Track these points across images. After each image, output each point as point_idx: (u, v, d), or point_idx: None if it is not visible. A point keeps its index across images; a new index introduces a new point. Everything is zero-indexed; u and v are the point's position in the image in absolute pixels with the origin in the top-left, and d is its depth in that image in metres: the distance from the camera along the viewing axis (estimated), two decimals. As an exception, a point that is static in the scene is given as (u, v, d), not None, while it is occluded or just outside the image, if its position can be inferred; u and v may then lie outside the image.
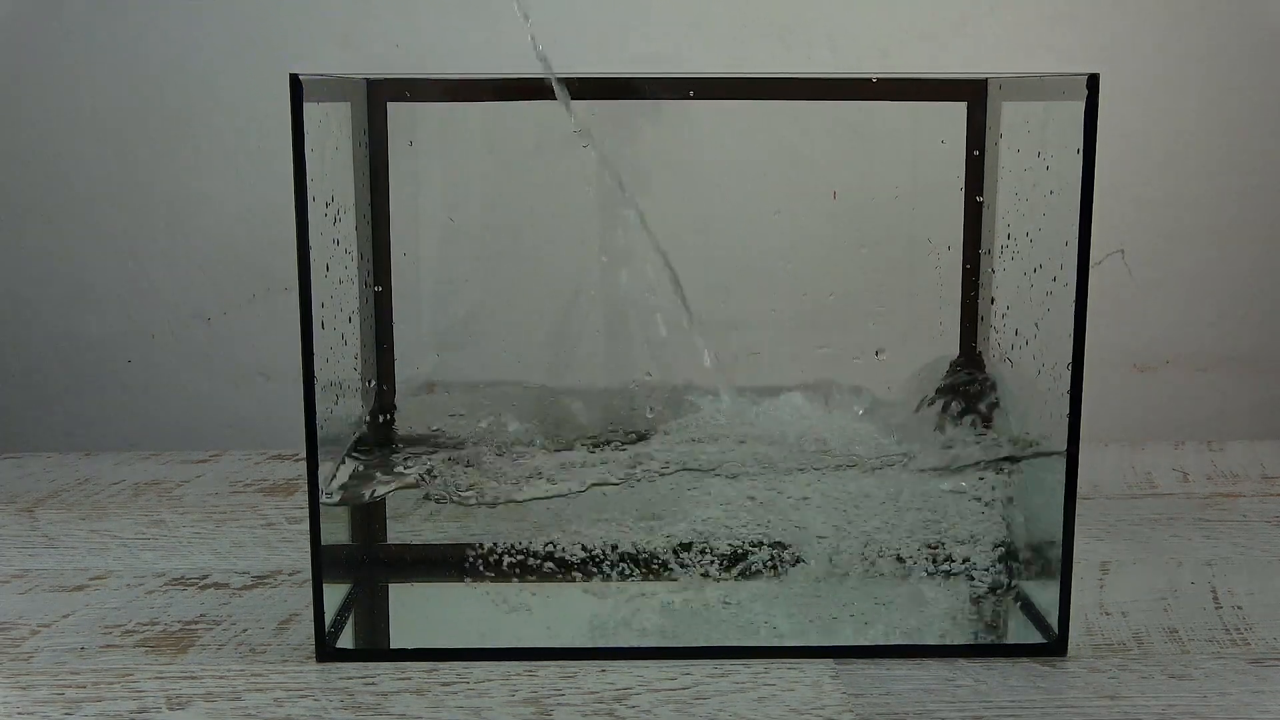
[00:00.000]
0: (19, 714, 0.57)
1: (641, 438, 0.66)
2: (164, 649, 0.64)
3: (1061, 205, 0.61)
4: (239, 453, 1.01)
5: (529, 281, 0.69)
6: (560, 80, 0.62)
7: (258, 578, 0.74)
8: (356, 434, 0.67)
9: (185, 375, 1.06)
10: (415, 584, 0.69)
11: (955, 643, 0.64)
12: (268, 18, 1.01)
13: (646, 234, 0.63)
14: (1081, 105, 0.59)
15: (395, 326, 0.68)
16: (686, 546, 0.67)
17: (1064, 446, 0.62)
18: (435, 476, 0.66)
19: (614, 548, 0.67)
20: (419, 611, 0.68)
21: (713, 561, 0.67)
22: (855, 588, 0.66)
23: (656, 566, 0.67)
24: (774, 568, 0.66)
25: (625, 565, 0.67)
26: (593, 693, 0.59)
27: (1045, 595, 0.64)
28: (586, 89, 0.65)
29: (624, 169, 0.66)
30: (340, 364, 0.65)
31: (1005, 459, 0.65)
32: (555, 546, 0.67)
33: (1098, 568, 0.75)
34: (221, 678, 0.61)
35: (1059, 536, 0.63)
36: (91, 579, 0.74)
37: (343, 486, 0.65)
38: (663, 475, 0.65)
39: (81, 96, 1.02)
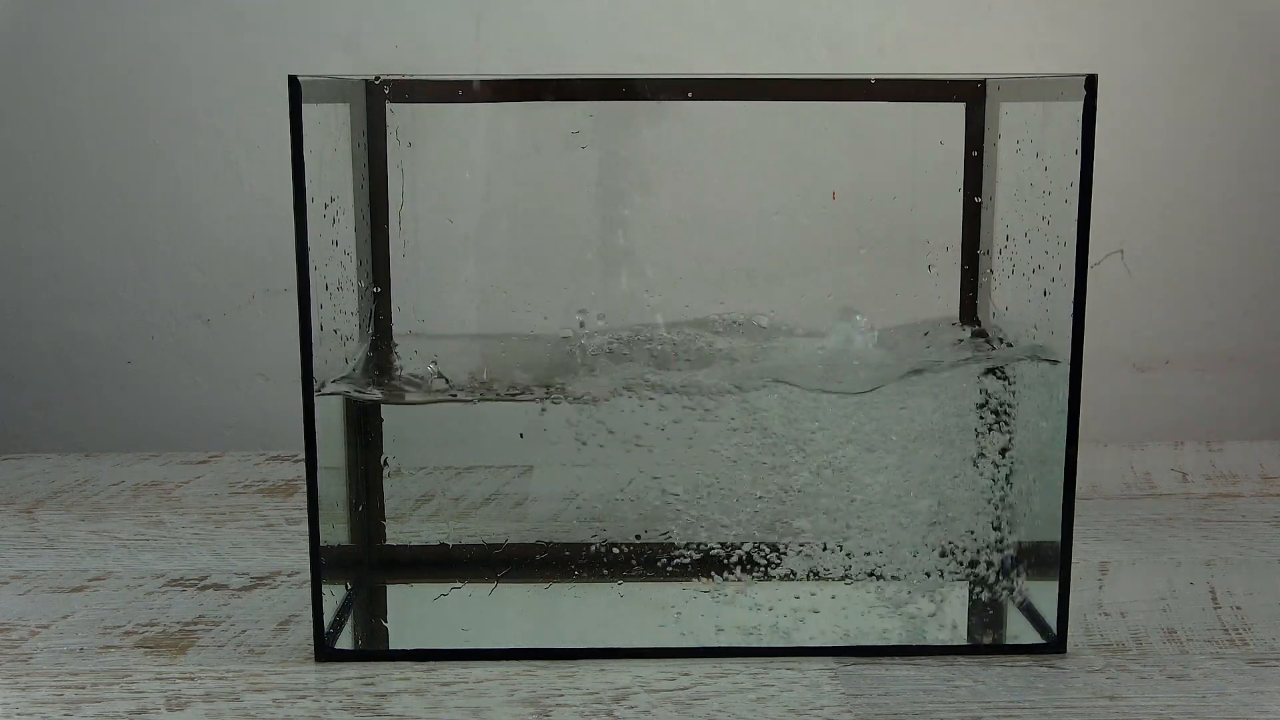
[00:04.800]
0: (18, 714, 0.57)
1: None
2: (163, 650, 0.64)
3: (1060, 205, 0.62)
4: (238, 454, 1.01)
5: (528, 281, 0.68)
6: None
7: (257, 579, 0.74)
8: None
9: (185, 376, 1.06)
10: (414, 584, 0.69)
11: (955, 643, 0.64)
12: (268, 18, 1.01)
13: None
14: (1080, 106, 0.59)
15: (394, 327, 0.68)
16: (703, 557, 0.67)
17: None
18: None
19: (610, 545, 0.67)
20: (418, 611, 0.68)
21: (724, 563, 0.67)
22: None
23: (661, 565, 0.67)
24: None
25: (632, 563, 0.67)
26: (592, 693, 0.59)
27: (1044, 595, 0.64)
28: (587, 89, 0.65)
29: (623, 170, 0.66)
30: (339, 365, 0.65)
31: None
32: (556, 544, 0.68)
33: (1097, 568, 0.75)
34: (220, 679, 0.61)
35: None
36: (91, 580, 0.74)
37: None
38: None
39: (81, 96, 1.02)
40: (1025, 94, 0.65)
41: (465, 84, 0.66)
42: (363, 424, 0.68)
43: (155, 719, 0.57)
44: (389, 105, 0.66)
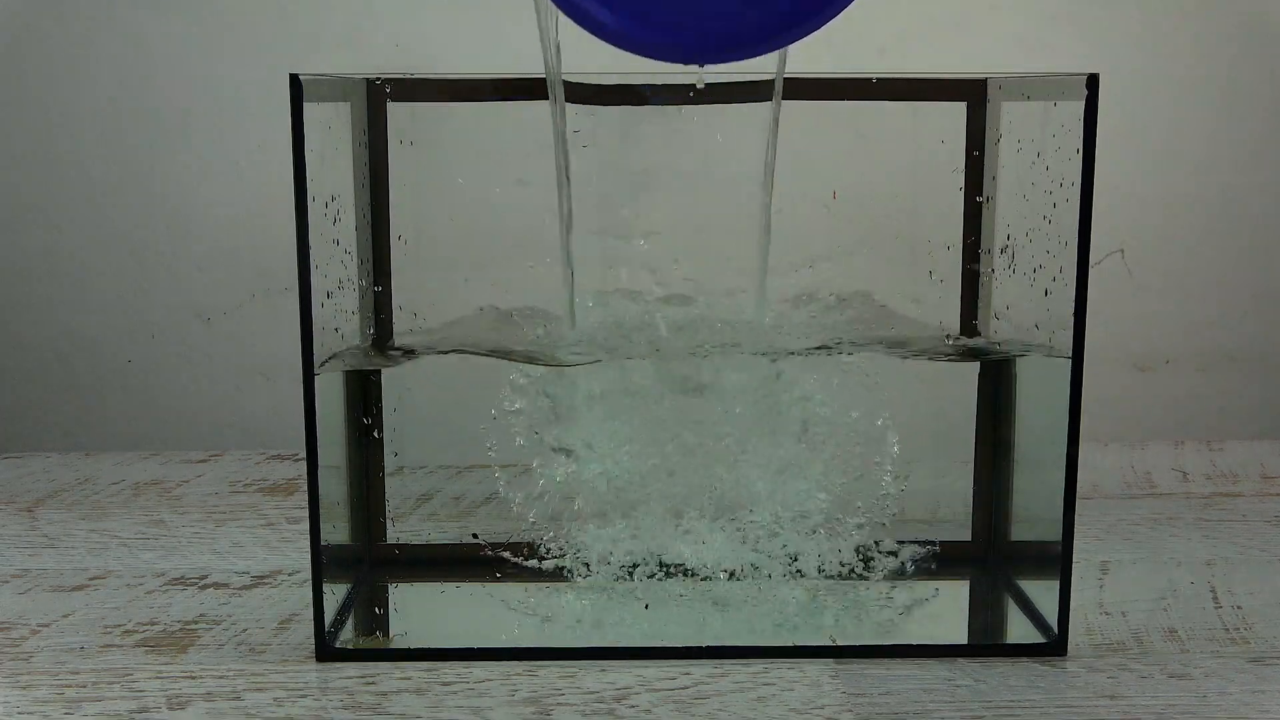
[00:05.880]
0: (19, 714, 0.57)
1: None
2: (164, 649, 0.64)
3: (1061, 205, 0.62)
4: (239, 453, 1.01)
5: (528, 280, 0.69)
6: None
7: (258, 577, 0.74)
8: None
9: (185, 375, 1.06)
10: (415, 584, 0.69)
11: (955, 642, 0.64)
12: (268, 18, 1.01)
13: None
14: (1081, 105, 0.59)
15: (394, 326, 0.68)
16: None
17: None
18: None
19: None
20: (419, 611, 0.68)
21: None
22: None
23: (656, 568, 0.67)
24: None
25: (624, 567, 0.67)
26: (593, 692, 0.59)
27: (1045, 595, 0.64)
28: (587, 90, 0.65)
29: (623, 170, 0.66)
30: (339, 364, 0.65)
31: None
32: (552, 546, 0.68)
33: (1097, 568, 0.75)
34: (221, 677, 0.61)
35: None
36: (91, 579, 0.74)
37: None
38: None
39: (82, 96, 1.02)
40: (1026, 94, 0.65)
41: (465, 84, 0.66)
42: (363, 423, 0.68)
43: (156, 718, 0.57)
44: (389, 105, 0.66)
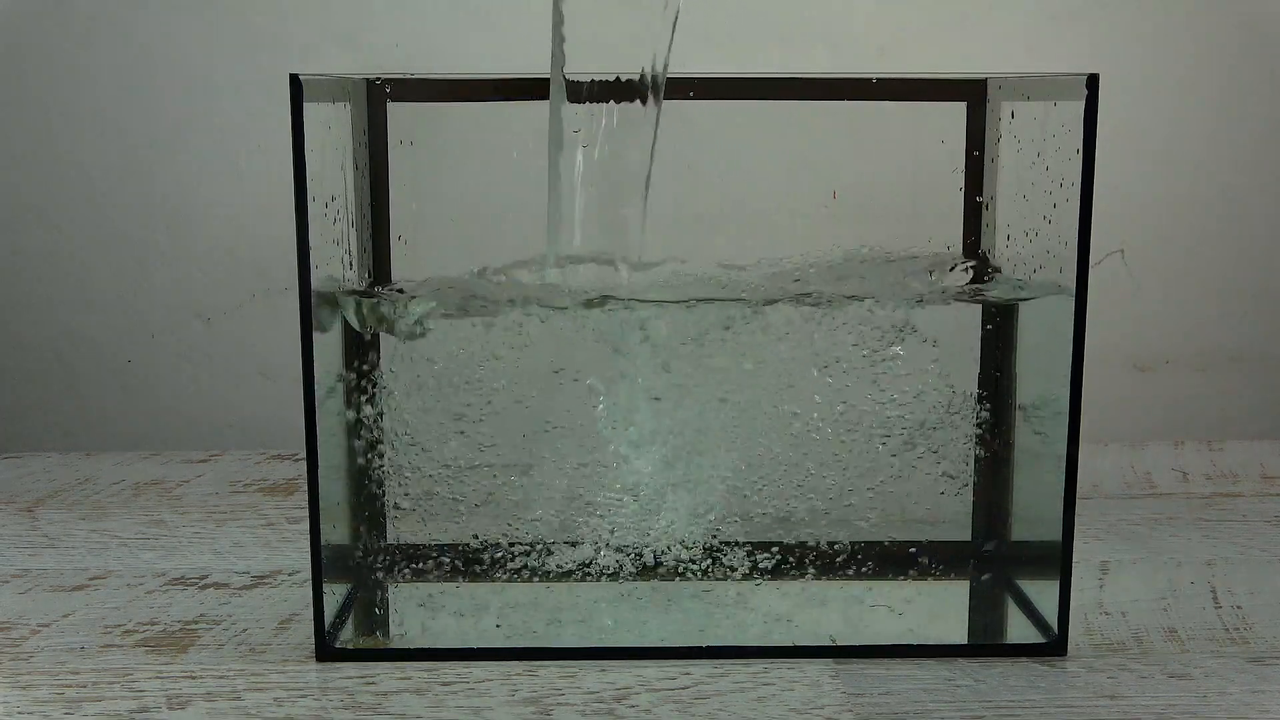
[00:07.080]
0: (19, 713, 0.57)
1: None
2: (164, 649, 0.64)
3: (1061, 205, 0.62)
4: (239, 453, 1.01)
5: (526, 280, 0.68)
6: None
7: (258, 577, 0.74)
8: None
9: (185, 375, 1.06)
10: (415, 584, 0.69)
11: (955, 642, 0.64)
12: (268, 17, 1.01)
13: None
14: (1081, 105, 0.59)
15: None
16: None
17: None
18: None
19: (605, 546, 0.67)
20: (419, 611, 0.68)
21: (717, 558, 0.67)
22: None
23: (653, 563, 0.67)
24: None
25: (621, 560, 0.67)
26: (592, 693, 0.59)
27: (1045, 595, 0.64)
28: (587, 89, 0.65)
29: (624, 170, 0.66)
30: (339, 364, 0.65)
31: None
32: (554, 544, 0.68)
33: (1097, 568, 0.75)
34: (221, 677, 0.61)
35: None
36: (91, 579, 0.74)
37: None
38: None
39: (82, 96, 1.02)
40: (1026, 94, 0.65)
41: (465, 84, 0.66)
42: (363, 422, 0.68)
43: (156, 718, 0.57)
44: (389, 105, 0.66)
